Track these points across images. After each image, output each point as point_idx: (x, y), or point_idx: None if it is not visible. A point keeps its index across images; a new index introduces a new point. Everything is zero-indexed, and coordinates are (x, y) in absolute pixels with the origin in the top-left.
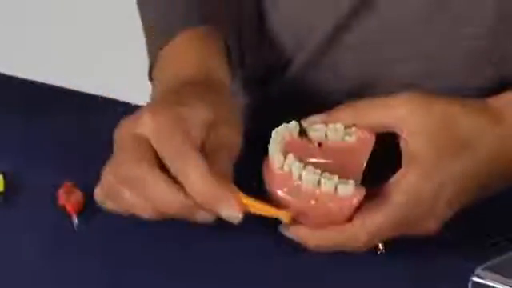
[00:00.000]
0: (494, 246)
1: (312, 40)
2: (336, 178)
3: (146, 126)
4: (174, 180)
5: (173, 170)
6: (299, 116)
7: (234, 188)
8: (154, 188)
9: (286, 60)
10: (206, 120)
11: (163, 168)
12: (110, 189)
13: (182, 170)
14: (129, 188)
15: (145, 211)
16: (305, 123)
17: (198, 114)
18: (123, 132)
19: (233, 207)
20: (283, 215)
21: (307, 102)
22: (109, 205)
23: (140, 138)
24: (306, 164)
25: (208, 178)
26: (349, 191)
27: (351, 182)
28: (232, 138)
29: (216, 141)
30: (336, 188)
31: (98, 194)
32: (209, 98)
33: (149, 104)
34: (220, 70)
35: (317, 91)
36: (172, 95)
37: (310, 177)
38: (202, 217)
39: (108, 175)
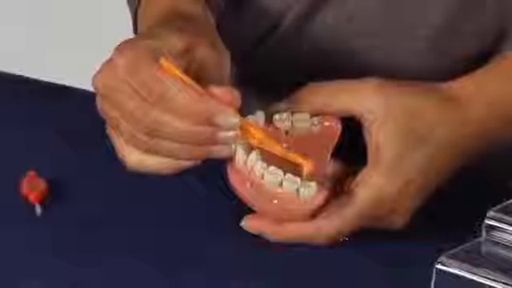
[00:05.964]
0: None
1: (288, 17)
2: (298, 180)
3: (118, 66)
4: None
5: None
6: (275, 93)
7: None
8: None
9: (262, 36)
10: (179, 46)
11: None
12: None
13: (163, 94)
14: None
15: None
16: (270, 111)
17: (169, 42)
18: (103, 80)
19: (227, 112)
20: (304, 163)
21: (284, 76)
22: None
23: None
24: (270, 161)
25: (194, 94)
26: (310, 194)
27: (313, 184)
28: (216, 57)
29: (200, 63)
30: (298, 190)
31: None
32: (180, 25)
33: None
34: (202, 10)
35: (294, 64)
36: (143, 33)
37: (272, 178)
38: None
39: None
